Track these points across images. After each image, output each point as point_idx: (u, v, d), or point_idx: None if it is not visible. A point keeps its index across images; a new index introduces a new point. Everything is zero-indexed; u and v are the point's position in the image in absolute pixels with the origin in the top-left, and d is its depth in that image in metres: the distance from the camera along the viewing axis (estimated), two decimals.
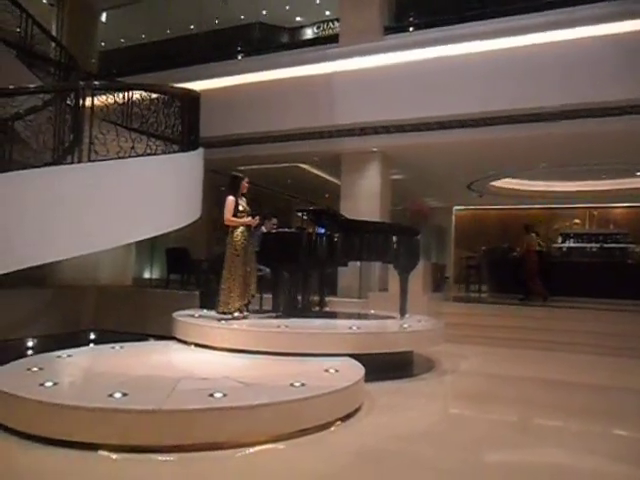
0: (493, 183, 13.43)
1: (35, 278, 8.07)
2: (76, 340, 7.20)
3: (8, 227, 4.61)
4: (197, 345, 5.28)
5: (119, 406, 3.07)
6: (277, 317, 6.02)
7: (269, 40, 12.41)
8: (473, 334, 7.58)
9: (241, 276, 5.49)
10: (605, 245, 13.23)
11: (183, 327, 5.57)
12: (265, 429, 3.25)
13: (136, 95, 6.38)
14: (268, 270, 6.81)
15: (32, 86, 6.25)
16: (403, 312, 6.49)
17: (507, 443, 3.67)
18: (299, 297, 6.44)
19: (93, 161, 5.15)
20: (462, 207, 17.54)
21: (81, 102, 5.34)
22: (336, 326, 5.84)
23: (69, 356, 4.55)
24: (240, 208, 5.60)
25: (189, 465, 2.95)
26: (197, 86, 8.11)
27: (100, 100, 6.14)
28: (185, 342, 5.42)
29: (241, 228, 5.56)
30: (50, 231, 4.81)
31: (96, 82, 8.41)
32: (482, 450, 3.47)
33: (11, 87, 5.21)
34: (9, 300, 7.44)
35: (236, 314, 5.54)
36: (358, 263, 8.68)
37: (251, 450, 3.13)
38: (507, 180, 13.50)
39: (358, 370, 4.32)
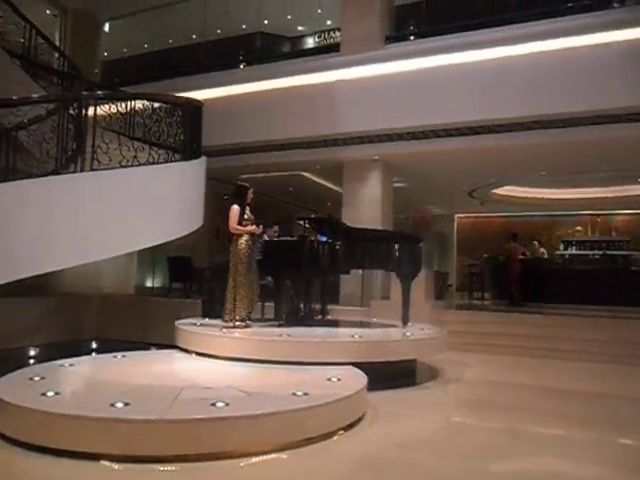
0: (495, 190, 13.43)
1: (38, 286, 8.09)
2: (78, 349, 7.18)
3: (9, 236, 4.61)
4: (199, 354, 5.26)
5: (121, 416, 3.06)
6: (279, 325, 6.01)
7: (271, 49, 12.50)
8: (476, 342, 7.55)
9: (247, 284, 5.52)
10: (607, 252, 13.21)
11: (185, 336, 5.56)
12: (268, 438, 3.24)
13: (138, 104, 6.42)
14: (270, 278, 6.81)
15: (36, 96, 6.28)
16: (405, 320, 6.47)
17: (509, 451, 3.64)
18: (301, 305, 6.44)
19: (95, 170, 5.17)
20: (464, 214, 17.54)
21: (84, 112, 5.37)
22: (338, 334, 5.83)
23: (71, 365, 4.55)
24: (245, 217, 5.63)
25: (192, 475, 2.94)
26: (199, 95, 8.16)
27: (103, 109, 6.18)
28: (187, 351, 5.41)
29: (245, 237, 5.58)
30: (51, 240, 4.82)
31: (99, 92, 8.46)
32: (485, 458, 3.45)
33: (15, 97, 5.24)
34: (12, 308, 7.44)
35: (238, 323, 5.54)
36: (360, 271, 8.67)
37: (254, 460, 3.11)
38: (509, 187, 13.50)
39: (361, 379, 4.30)
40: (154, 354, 5.81)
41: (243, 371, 4.64)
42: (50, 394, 3.43)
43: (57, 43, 11.25)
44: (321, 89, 9.42)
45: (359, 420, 3.89)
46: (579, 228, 16.04)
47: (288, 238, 7.46)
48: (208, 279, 9.39)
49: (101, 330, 8.89)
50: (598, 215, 15.74)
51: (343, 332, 6.00)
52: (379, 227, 9.08)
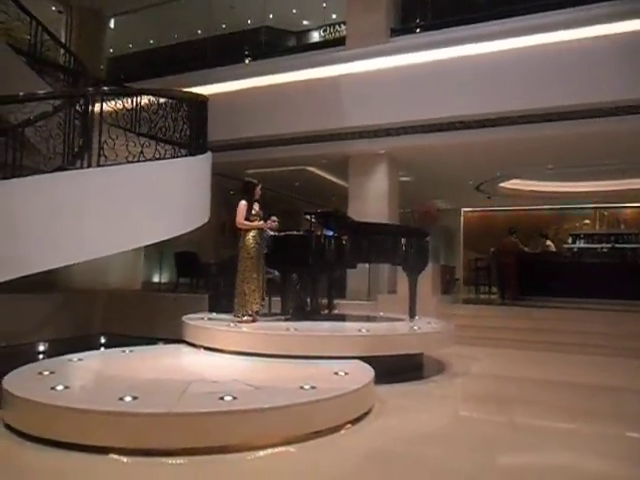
0: (502, 184, 13.36)
1: (46, 282, 8.14)
2: (86, 344, 7.22)
3: (16, 232, 4.63)
4: (206, 348, 5.28)
5: (130, 409, 3.08)
6: (286, 320, 6.02)
7: (276, 44, 12.43)
8: (483, 336, 7.53)
9: (256, 279, 5.54)
10: (616, 245, 13.11)
11: (192, 330, 5.58)
12: (276, 432, 3.25)
13: (144, 100, 6.43)
14: (277, 273, 6.81)
15: (42, 92, 6.30)
16: (412, 314, 6.47)
17: (515, 444, 3.64)
18: (308, 300, 6.44)
19: (102, 166, 5.19)
20: (471, 209, 17.47)
21: (90, 108, 5.38)
22: (345, 329, 5.83)
23: (80, 360, 4.58)
24: (253, 212, 5.64)
25: (200, 468, 2.95)
26: (205, 90, 8.14)
27: (109, 105, 6.19)
28: (194, 345, 5.43)
29: (253, 232, 5.60)
30: (58, 236, 4.84)
31: (105, 88, 8.48)
32: (491, 451, 3.44)
33: (21, 94, 5.26)
34: (20, 304, 7.51)
35: (246, 318, 5.56)
36: (367, 265, 8.66)
37: (262, 453, 3.12)
38: (516, 181, 13.42)
39: (368, 373, 4.30)
40: (161, 349, 5.82)
41: (250, 365, 4.64)
42: (59, 388, 3.46)
43: (63, 39, 11.28)
44: (327, 83, 9.39)
45: (366, 414, 3.89)
46: (587, 221, 15.93)
47: (295, 233, 7.45)
48: (214, 274, 9.43)
49: (109, 325, 8.94)
50: (606, 208, 15.62)
51: (350, 326, 6.01)
52: (385, 221, 9.06)
